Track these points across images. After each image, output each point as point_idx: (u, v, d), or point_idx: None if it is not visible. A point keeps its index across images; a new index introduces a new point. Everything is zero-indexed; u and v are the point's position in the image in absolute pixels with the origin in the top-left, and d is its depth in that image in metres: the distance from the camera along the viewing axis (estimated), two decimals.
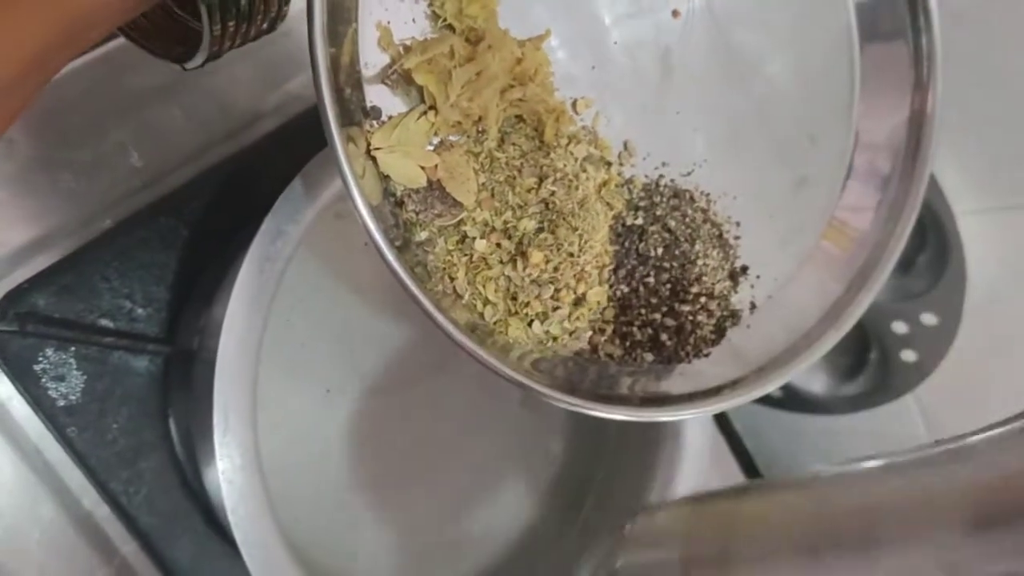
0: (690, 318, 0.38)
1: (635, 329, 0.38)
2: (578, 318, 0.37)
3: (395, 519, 0.49)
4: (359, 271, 0.49)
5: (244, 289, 0.37)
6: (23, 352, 0.42)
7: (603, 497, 0.52)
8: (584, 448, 0.53)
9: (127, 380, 0.44)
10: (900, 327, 0.68)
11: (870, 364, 0.73)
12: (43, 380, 0.43)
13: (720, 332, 0.39)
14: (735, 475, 0.81)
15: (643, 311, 0.38)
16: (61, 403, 0.43)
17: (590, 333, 0.37)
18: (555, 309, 0.36)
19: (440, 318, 0.31)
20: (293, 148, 0.41)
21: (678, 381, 0.38)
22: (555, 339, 0.36)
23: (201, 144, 0.48)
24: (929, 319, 0.67)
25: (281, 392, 0.46)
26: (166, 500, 0.45)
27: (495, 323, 0.35)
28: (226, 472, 0.36)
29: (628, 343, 0.38)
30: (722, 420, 0.84)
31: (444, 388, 0.50)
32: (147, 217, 0.46)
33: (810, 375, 0.77)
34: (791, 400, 0.78)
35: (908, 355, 0.69)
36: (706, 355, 0.39)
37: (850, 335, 0.72)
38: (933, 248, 0.65)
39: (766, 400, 0.79)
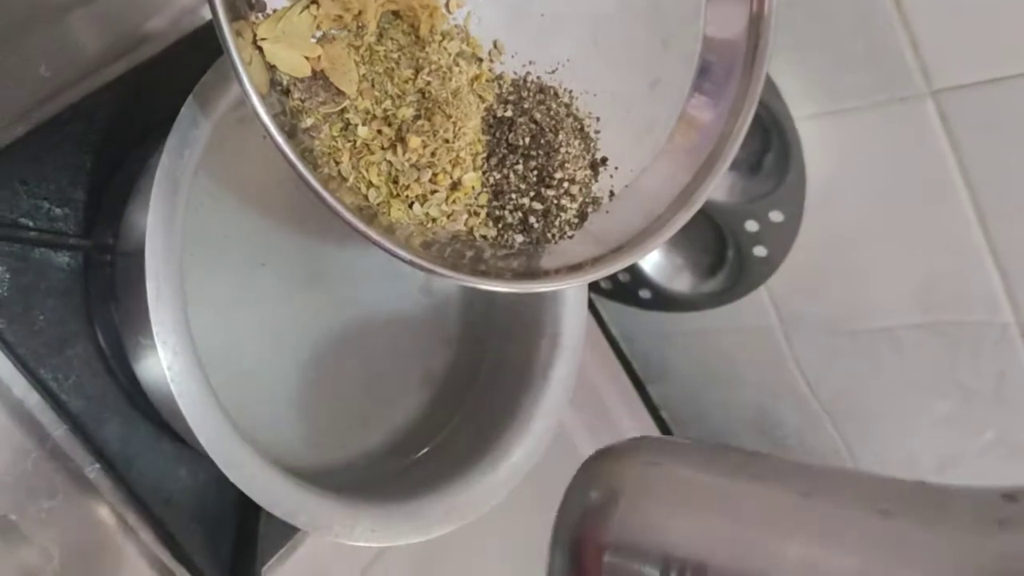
0: (555, 202, 0.43)
1: (507, 213, 0.43)
2: (455, 201, 0.41)
3: (310, 398, 0.54)
4: (264, 177, 0.53)
5: (159, 205, 0.41)
6: None
7: (492, 379, 0.58)
8: (475, 331, 0.60)
9: (50, 274, 0.48)
10: (752, 225, 0.76)
11: (728, 261, 0.81)
12: None
13: (583, 216, 0.45)
14: (618, 375, 0.89)
15: (513, 196, 0.43)
16: None
17: (466, 216, 0.42)
18: (433, 192, 0.41)
19: (329, 199, 0.35)
20: (195, 59, 0.45)
21: (546, 260, 0.43)
22: (434, 220, 0.41)
23: (108, 55, 0.51)
24: (776, 216, 0.75)
25: (201, 285, 0.50)
26: (94, 385, 0.48)
27: (379, 204, 0.40)
28: (164, 347, 0.40)
29: (500, 225, 0.43)
30: (601, 325, 0.91)
31: (351, 280, 0.55)
32: (59, 124, 0.49)
33: (675, 275, 0.84)
34: (660, 300, 0.85)
35: (759, 251, 0.77)
36: (570, 237, 0.44)
37: (708, 236, 0.80)
38: (776, 151, 0.72)
39: (637, 302, 0.86)
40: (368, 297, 0.57)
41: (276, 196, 0.53)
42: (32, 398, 0.48)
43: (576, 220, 0.45)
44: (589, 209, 0.45)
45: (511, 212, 0.43)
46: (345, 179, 0.39)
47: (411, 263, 0.37)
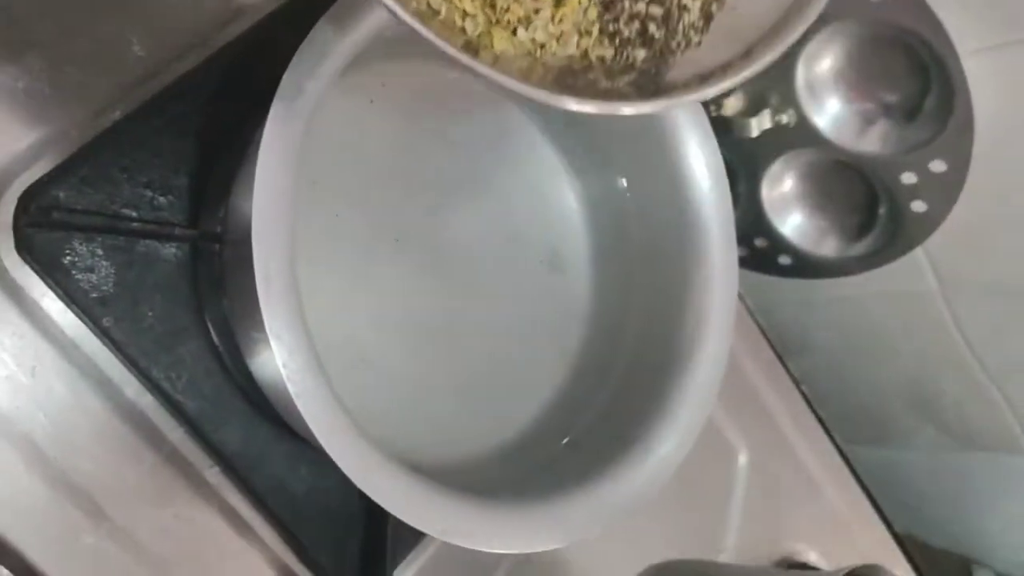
0: (675, 3, 0.37)
1: (622, 25, 0.37)
2: (561, 20, 0.36)
3: (435, 389, 0.50)
4: (374, 137, 0.49)
5: (270, 152, 0.37)
6: (50, 246, 0.42)
7: (635, 357, 0.53)
8: (611, 307, 0.54)
9: (157, 267, 0.44)
10: (909, 178, 0.68)
11: (879, 220, 0.73)
12: (73, 273, 0.43)
13: (707, 17, 0.38)
14: (761, 348, 0.83)
15: (626, 3, 0.37)
16: (94, 295, 0.43)
17: (577, 37, 0.37)
18: (536, 11, 0.35)
19: (423, 29, 0.30)
20: (299, 26, 0.41)
21: (675, 73, 0.37)
22: (543, 46, 0.36)
23: (204, 28, 0.47)
24: (937, 166, 0.67)
25: (313, 272, 0.46)
26: (209, 384, 0.45)
27: (479, 37, 0.34)
28: (278, 342, 0.36)
29: (617, 41, 0.37)
30: None
31: (472, 258, 0.51)
32: (157, 106, 0.45)
33: (819, 239, 0.77)
34: (802, 266, 0.78)
35: (918, 206, 0.69)
36: (697, 44, 0.38)
37: (857, 193, 0.73)
38: (938, 92, 0.64)
39: (776, 269, 0.79)
40: (491, 276, 0.52)
41: (389, 168, 0.49)
42: (145, 400, 0.45)
43: (701, 23, 0.38)
44: (713, 7, 0.39)
45: (626, 23, 0.37)
46: (437, 12, 0.34)
47: (529, 95, 0.31)
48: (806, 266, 0.78)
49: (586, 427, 0.50)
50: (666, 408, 0.48)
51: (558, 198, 0.55)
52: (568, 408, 0.52)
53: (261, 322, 0.37)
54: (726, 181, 0.52)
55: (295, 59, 0.39)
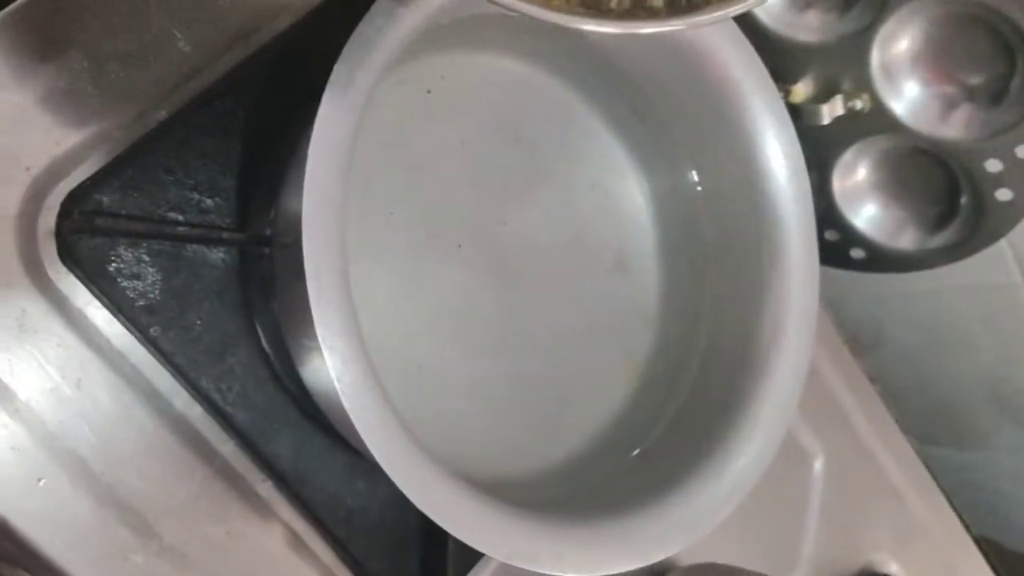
0: None
1: None
2: None
3: (494, 398, 0.47)
4: (431, 132, 0.46)
5: (320, 149, 0.35)
6: (95, 253, 0.40)
7: (708, 362, 0.50)
8: (681, 309, 0.51)
9: (204, 273, 0.42)
10: (994, 165, 0.64)
11: (960, 210, 0.69)
12: (119, 281, 0.41)
13: None
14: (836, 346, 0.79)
15: None
16: (140, 303, 0.41)
17: None
18: None
19: None
20: (349, 17, 0.39)
21: None
22: None
23: (250, 22, 0.45)
24: None
25: (367, 275, 0.44)
26: (260, 395, 0.43)
27: None
28: (331, 353, 0.34)
29: None
30: None
31: (533, 258, 0.48)
32: (202, 104, 0.43)
33: (896, 231, 0.73)
34: (876, 260, 0.74)
35: (1003, 194, 0.65)
36: None
37: (937, 181, 0.69)
38: None
39: (848, 264, 0.76)
40: (553, 276, 0.49)
41: (446, 164, 0.46)
42: (194, 411, 0.43)
43: None
44: None
45: None
46: None
47: (545, 17, 0.29)
48: (881, 259, 0.74)
49: (657, 437, 0.47)
50: (744, 417, 0.45)
51: (624, 194, 0.52)
52: (637, 417, 0.49)
53: (313, 330, 0.35)
54: (805, 172, 0.49)
55: (346, 49, 0.37)
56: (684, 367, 0.49)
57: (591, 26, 0.30)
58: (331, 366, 0.34)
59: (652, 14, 0.31)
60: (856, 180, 0.71)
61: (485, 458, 0.45)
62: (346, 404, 0.34)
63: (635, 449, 0.47)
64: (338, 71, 0.36)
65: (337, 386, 0.34)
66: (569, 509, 0.42)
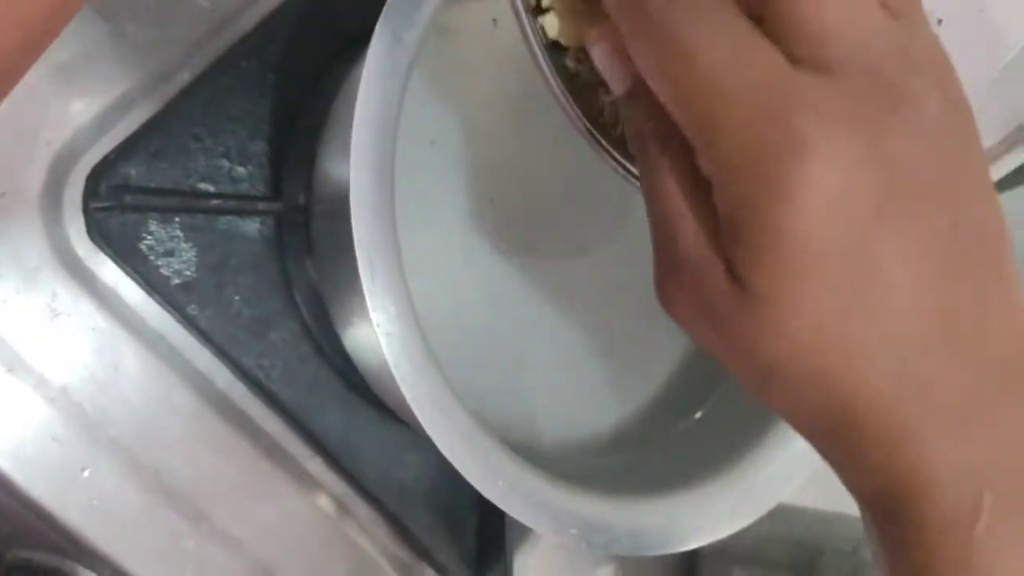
0: None
1: None
2: None
3: (547, 367, 0.45)
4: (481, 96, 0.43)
5: (366, 109, 0.32)
6: (125, 230, 0.38)
7: None
8: None
9: (240, 246, 0.40)
10: None
11: None
12: (152, 258, 0.39)
13: None
14: None
15: None
16: (176, 281, 0.39)
17: None
18: None
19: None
20: None
21: None
22: None
23: None
24: None
25: (415, 244, 0.41)
26: (304, 370, 0.41)
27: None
28: (382, 325, 0.32)
29: None
30: None
31: (585, 222, 0.45)
32: (227, 64, 0.40)
33: None
34: None
35: None
36: None
37: None
38: None
39: None
40: (607, 236, 0.47)
41: (498, 116, 0.43)
42: (237, 390, 0.41)
43: None
44: None
45: None
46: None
47: None
48: None
49: (717, 400, 0.45)
50: None
51: None
52: (697, 379, 0.46)
53: (363, 306, 0.33)
54: None
55: (388, 4, 0.33)
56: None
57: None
58: (385, 348, 0.32)
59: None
60: None
61: (540, 427, 0.43)
62: (406, 393, 0.32)
63: (696, 412, 0.45)
64: (383, 21, 0.33)
65: (396, 373, 0.32)
66: (634, 482, 0.40)
